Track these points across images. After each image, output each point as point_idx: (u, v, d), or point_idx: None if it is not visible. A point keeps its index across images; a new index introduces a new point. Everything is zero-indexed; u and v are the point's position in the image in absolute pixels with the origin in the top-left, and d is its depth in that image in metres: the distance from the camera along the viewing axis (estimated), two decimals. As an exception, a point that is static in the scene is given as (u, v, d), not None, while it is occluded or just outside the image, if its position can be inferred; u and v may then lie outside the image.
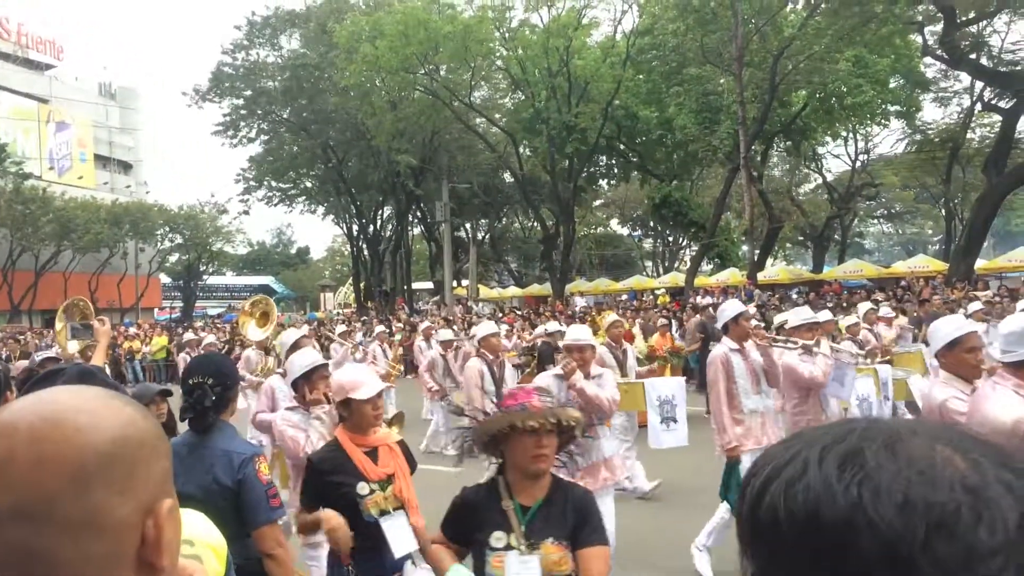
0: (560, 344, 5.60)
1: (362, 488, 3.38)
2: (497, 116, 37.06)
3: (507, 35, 30.92)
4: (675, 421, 7.72)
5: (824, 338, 7.08)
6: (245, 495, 3.02)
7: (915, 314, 16.32)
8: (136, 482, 0.88)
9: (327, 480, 3.39)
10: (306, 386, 4.58)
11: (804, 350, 6.38)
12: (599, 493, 5.00)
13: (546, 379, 5.52)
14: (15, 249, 42.02)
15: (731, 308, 6.51)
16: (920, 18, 24.35)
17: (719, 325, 6.66)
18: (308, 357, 4.75)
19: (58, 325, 7.60)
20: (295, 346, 6.67)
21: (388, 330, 18.67)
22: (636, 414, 8.48)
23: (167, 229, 50.20)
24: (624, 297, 32.28)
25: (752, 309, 7.38)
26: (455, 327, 18.84)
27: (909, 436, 0.70)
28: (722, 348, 6.30)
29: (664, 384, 8.17)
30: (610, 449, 5.85)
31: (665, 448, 7.77)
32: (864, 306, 12.74)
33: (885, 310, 13.17)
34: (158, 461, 0.92)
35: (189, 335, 18.22)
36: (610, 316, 9.90)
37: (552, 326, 12.85)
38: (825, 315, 8.46)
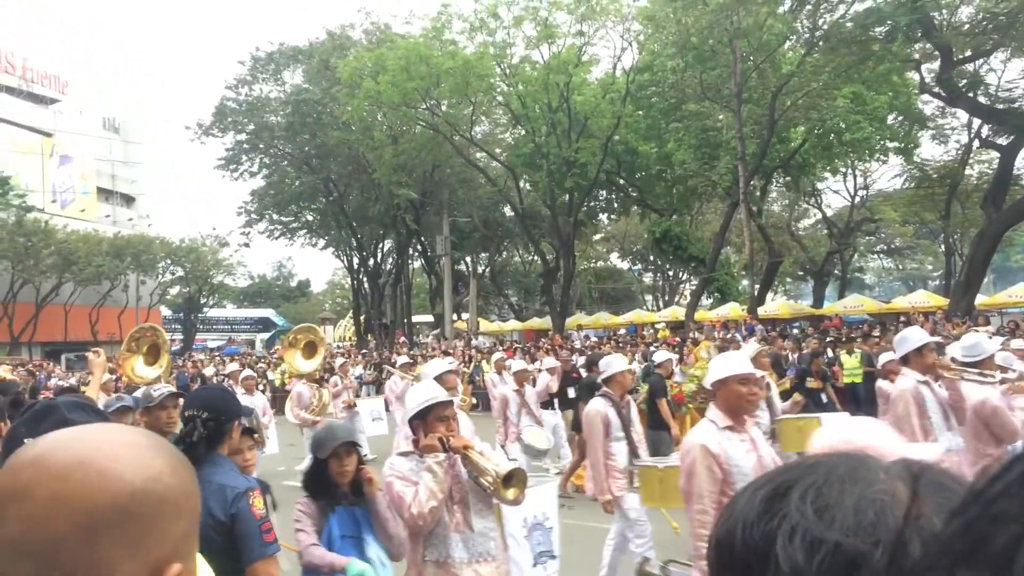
0: (713, 378, 4.15)
1: None
2: (497, 151, 37.31)
3: (508, 71, 31.22)
4: None
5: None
6: (238, 529, 2.99)
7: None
8: (148, 540, 0.85)
9: None
10: (421, 428, 3.79)
11: (1012, 387, 5.65)
12: None
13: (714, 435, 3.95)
14: (16, 281, 42.13)
15: (914, 336, 5.79)
16: (917, 56, 24.57)
17: (898, 354, 5.90)
18: (426, 391, 3.92)
19: (132, 357, 7.28)
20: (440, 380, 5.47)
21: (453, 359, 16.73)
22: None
23: (168, 262, 50.41)
24: (623, 331, 32.24)
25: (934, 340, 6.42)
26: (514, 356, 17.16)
27: (853, 474, 0.69)
28: (910, 380, 5.60)
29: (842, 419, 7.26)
30: None
31: None
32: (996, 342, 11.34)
33: (1018, 343, 11.37)
34: (178, 521, 0.88)
35: (234, 366, 17.35)
36: (751, 344, 8.75)
37: (661, 355, 11.37)
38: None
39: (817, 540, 0.63)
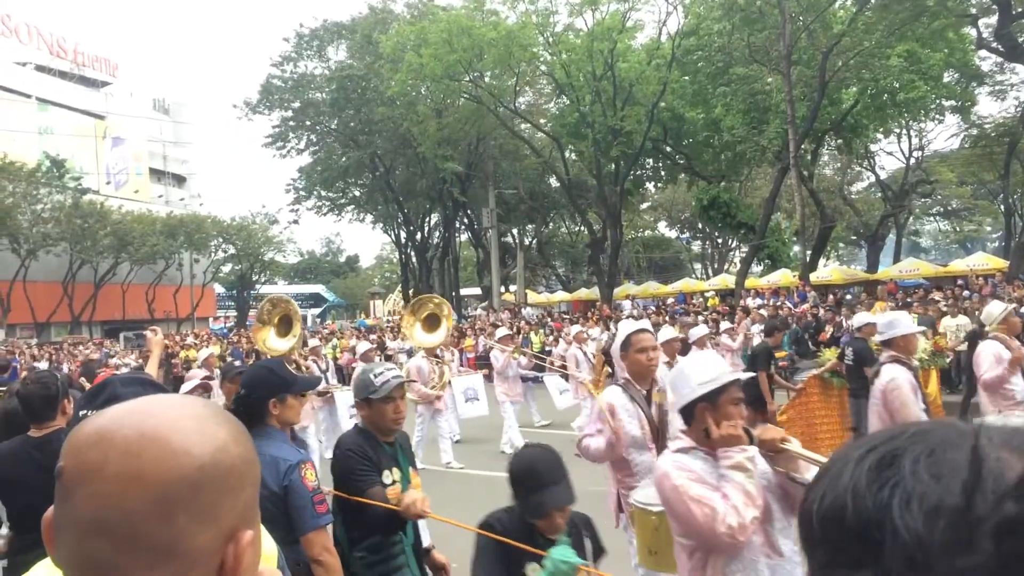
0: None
1: None
2: (542, 121, 37.08)
3: (551, 40, 30.89)
4: None
5: None
6: (291, 501, 3.05)
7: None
8: (221, 510, 0.86)
9: None
10: (710, 415, 2.84)
11: None
12: None
13: None
14: (75, 262, 43.25)
15: None
16: (974, 10, 23.77)
17: None
18: (711, 366, 2.95)
19: (264, 329, 7.28)
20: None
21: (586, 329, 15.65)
22: None
23: (220, 240, 51.32)
24: (671, 300, 32.00)
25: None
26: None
27: (962, 441, 0.66)
28: None
29: None
30: None
31: None
32: None
33: None
34: (244, 489, 0.90)
35: (315, 342, 16.50)
36: (666, 329, 7.49)
37: (863, 317, 9.75)
38: None
39: (938, 507, 0.62)
